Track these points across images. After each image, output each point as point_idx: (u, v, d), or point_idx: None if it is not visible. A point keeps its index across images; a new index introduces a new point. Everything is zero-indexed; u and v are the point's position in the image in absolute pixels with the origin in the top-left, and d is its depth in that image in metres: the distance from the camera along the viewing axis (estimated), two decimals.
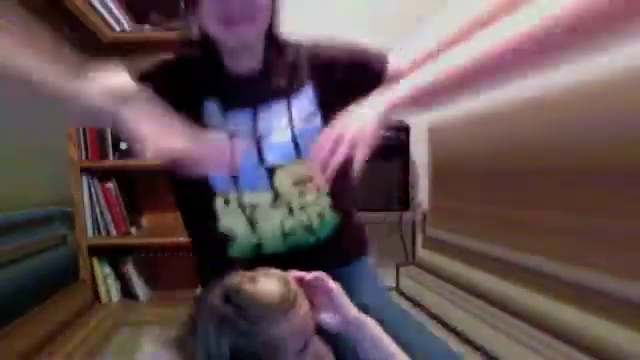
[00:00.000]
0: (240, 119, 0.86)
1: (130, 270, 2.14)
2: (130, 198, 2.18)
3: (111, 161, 2.09)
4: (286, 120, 0.86)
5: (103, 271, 2.10)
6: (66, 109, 0.83)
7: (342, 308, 0.73)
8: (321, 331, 0.73)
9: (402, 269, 2.09)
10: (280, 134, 0.85)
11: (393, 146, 2.00)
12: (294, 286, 0.70)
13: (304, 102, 0.88)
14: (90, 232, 2.07)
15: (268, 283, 0.68)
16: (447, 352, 0.83)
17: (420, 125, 2.09)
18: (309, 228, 0.88)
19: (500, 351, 1.31)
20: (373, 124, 0.74)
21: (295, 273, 0.73)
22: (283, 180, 0.86)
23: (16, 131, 1.57)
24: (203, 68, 0.89)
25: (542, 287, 1.28)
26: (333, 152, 0.72)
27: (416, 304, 1.82)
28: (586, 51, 0.58)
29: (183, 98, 0.83)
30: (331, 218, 0.90)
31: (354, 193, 0.98)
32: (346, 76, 0.89)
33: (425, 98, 0.78)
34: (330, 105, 0.85)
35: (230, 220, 0.88)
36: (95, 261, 2.09)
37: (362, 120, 0.75)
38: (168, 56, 0.95)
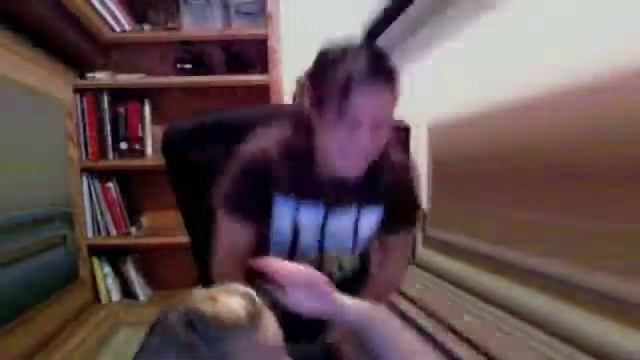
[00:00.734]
0: (314, 215, 0.98)
1: (130, 270, 2.14)
2: (130, 198, 2.18)
3: (111, 161, 2.09)
4: (352, 225, 1.00)
5: (103, 271, 2.11)
6: None
7: (329, 296, 0.72)
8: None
9: None
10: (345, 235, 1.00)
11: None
12: (258, 302, 0.66)
13: (372, 216, 1.02)
14: (90, 232, 2.08)
15: (229, 301, 0.63)
16: None
17: (420, 125, 2.09)
18: (340, 266, 1.06)
19: (500, 351, 1.31)
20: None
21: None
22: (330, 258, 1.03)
23: (16, 131, 1.57)
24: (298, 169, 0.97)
25: (542, 287, 1.28)
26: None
27: (416, 304, 1.82)
28: None
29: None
30: (352, 262, 1.09)
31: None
32: (400, 211, 1.04)
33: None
34: (385, 225, 1.03)
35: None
36: (95, 261, 2.09)
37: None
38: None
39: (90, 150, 2.06)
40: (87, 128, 2.05)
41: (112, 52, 2.17)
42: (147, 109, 2.16)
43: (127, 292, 2.15)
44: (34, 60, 1.71)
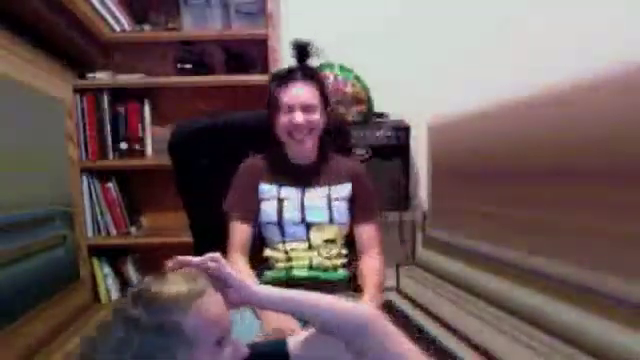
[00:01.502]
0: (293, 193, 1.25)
1: (130, 270, 2.14)
2: (130, 198, 2.18)
3: (111, 161, 2.09)
4: (326, 198, 1.25)
5: (103, 271, 2.10)
6: None
7: (243, 287, 0.76)
8: None
9: (402, 269, 2.09)
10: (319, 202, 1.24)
11: (393, 146, 2.00)
12: (203, 280, 0.73)
13: (343, 192, 1.28)
14: (90, 232, 2.07)
15: (176, 279, 0.72)
16: None
17: (420, 125, 2.09)
18: (327, 270, 1.22)
19: (500, 351, 1.31)
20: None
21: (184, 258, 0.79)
22: (317, 236, 1.23)
23: (16, 131, 1.57)
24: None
25: (542, 287, 1.28)
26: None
27: (416, 304, 1.81)
28: None
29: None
30: (342, 273, 1.25)
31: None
32: (362, 196, 1.30)
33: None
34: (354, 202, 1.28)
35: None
36: (95, 261, 2.09)
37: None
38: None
39: (90, 150, 2.06)
40: (87, 128, 2.05)
41: (112, 52, 2.17)
42: (147, 109, 2.16)
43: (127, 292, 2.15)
44: (34, 60, 1.71)
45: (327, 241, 1.23)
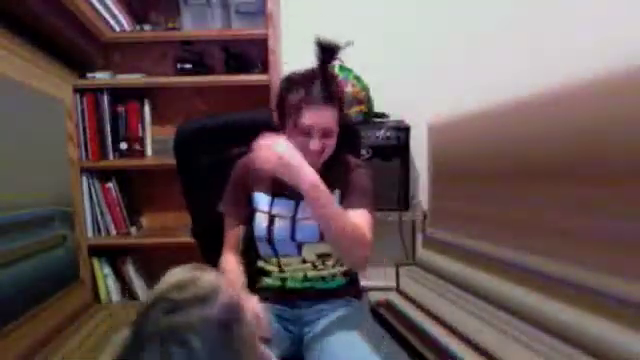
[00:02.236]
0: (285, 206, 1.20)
1: (130, 270, 2.14)
2: (130, 198, 2.18)
3: (111, 161, 2.09)
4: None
5: (103, 271, 2.10)
6: None
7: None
8: None
9: (402, 269, 2.09)
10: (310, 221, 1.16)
11: (393, 146, 2.00)
12: (222, 287, 0.69)
13: None
14: (90, 232, 2.08)
15: (188, 277, 0.69)
16: None
17: (420, 125, 2.09)
18: (324, 279, 1.21)
19: (500, 351, 1.31)
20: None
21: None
22: (310, 252, 1.19)
23: (16, 131, 1.57)
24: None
25: (542, 287, 1.28)
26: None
27: (416, 304, 1.81)
28: None
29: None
30: (340, 280, 1.24)
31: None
32: (354, 193, 1.19)
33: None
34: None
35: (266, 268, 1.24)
36: (95, 261, 2.09)
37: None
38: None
39: (90, 150, 2.06)
40: (87, 128, 2.05)
41: (112, 52, 2.17)
42: (147, 109, 2.16)
43: (127, 292, 2.15)
44: (34, 60, 1.71)
45: (321, 255, 1.20)
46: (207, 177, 1.33)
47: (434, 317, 1.66)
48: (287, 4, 2.17)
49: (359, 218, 1.12)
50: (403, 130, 2.02)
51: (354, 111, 2.02)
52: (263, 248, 1.21)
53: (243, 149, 1.24)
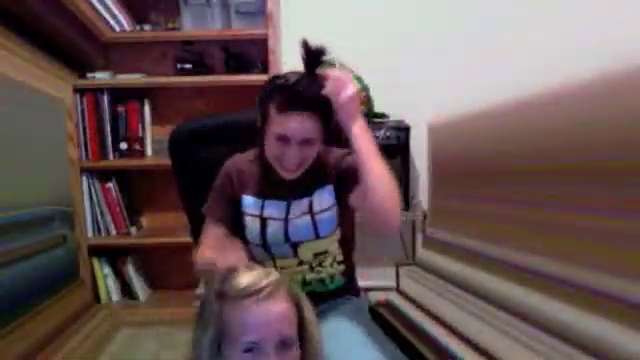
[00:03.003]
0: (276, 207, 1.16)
1: (130, 270, 2.14)
2: (130, 198, 2.18)
3: (111, 161, 2.09)
4: (308, 207, 1.14)
5: (103, 271, 2.10)
6: None
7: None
8: None
9: (402, 269, 2.08)
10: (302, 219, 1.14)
11: (393, 146, 2.00)
12: (278, 284, 0.79)
13: (325, 194, 1.16)
14: (90, 232, 2.08)
15: (255, 274, 0.80)
16: None
17: (420, 125, 2.09)
18: (323, 281, 1.19)
19: (500, 351, 1.31)
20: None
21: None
22: (306, 252, 1.16)
23: (16, 131, 1.57)
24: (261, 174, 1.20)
25: (542, 287, 1.28)
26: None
27: (416, 304, 1.81)
28: None
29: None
30: (339, 280, 1.22)
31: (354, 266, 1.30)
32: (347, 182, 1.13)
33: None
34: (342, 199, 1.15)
35: None
36: (95, 261, 2.09)
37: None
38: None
39: (90, 150, 2.06)
40: (87, 128, 2.05)
41: (112, 52, 2.17)
42: (147, 109, 2.16)
43: (127, 292, 2.15)
44: (34, 60, 1.71)
45: (318, 254, 1.16)
46: (203, 178, 1.33)
47: (434, 317, 1.66)
48: (287, 4, 2.17)
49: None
50: (403, 130, 2.02)
51: None
52: (257, 252, 1.18)
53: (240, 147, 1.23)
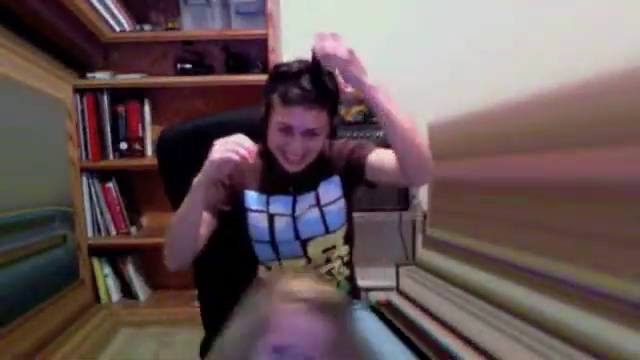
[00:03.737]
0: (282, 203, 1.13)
1: (130, 270, 2.14)
2: (130, 198, 2.18)
3: (111, 161, 2.09)
4: (315, 199, 1.13)
5: (103, 271, 2.10)
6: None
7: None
8: None
9: (402, 269, 2.09)
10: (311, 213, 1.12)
11: None
12: (313, 298, 0.75)
13: (331, 186, 1.14)
14: (90, 232, 2.07)
15: (301, 282, 0.78)
16: None
17: (420, 125, 2.09)
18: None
19: (500, 351, 1.31)
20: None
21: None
22: (315, 249, 1.13)
23: (16, 131, 1.57)
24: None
25: (542, 287, 1.28)
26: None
27: (416, 304, 1.82)
28: None
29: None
30: (344, 286, 1.21)
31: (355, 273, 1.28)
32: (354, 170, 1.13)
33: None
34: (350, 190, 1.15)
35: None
36: (95, 261, 2.09)
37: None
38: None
39: (90, 150, 2.06)
40: (87, 128, 2.05)
41: (112, 52, 2.17)
42: (147, 109, 2.16)
43: (127, 292, 2.15)
44: (34, 60, 1.71)
45: (326, 250, 1.14)
46: (190, 179, 1.31)
47: (434, 317, 1.66)
48: (287, 4, 2.17)
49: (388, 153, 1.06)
50: None
51: (354, 111, 2.02)
52: (263, 251, 1.14)
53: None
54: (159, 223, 2.25)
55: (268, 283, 0.80)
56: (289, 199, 1.12)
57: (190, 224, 1.04)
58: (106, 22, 1.99)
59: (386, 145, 1.08)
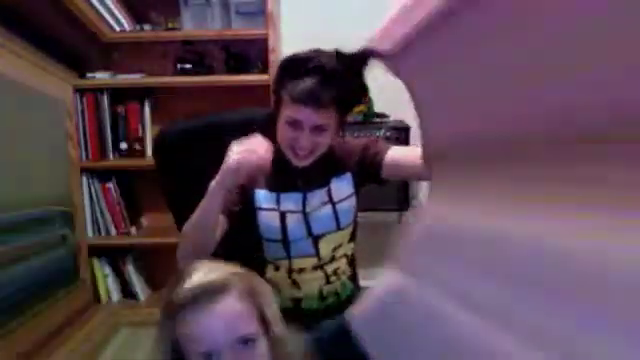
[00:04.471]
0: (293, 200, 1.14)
1: (130, 270, 2.14)
2: (130, 198, 2.17)
3: (111, 161, 2.09)
4: (327, 196, 1.14)
5: (103, 271, 2.10)
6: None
7: None
8: None
9: None
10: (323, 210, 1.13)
11: None
12: (230, 281, 0.75)
13: (342, 183, 1.15)
14: (90, 232, 2.07)
15: (200, 275, 0.76)
16: None
17: None
18: (337, 294, 1.19)
19: None
20: None
21: None
22: (326, 246, 1.14)
23: (16, 131, 1.57)
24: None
25: None
26: None
27: None
28: None
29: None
30: (349, 288, 1.22)
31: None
32: (369, 168, 1.14)
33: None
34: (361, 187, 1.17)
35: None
36: (95, 261, 2.09)
37: None
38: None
39: (90, 150, 2.06)
40: (87, 128, 2.05)
41: (112, 52, 2.17)
42: (147, 109, 2.16)
43: (127, 292, 2.15)
44: (34, 60, 1.71)
45: (335, 248, 1.15)
46: (191, 179, 1.31)
47: None
48: (287, 4, 2.17)
49: (410, 152, 1.08)
50: (403, 130, 2.01)
51: (354, 111, 2.02)
52: (273, 250, 1.14)
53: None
54: (159, 223, 2.25)
55: (165, 294, 0.79)
56: (299, 196, 1.13)
57: (209, 229, 1.04)
58: (106, 22, 1.99)
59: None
